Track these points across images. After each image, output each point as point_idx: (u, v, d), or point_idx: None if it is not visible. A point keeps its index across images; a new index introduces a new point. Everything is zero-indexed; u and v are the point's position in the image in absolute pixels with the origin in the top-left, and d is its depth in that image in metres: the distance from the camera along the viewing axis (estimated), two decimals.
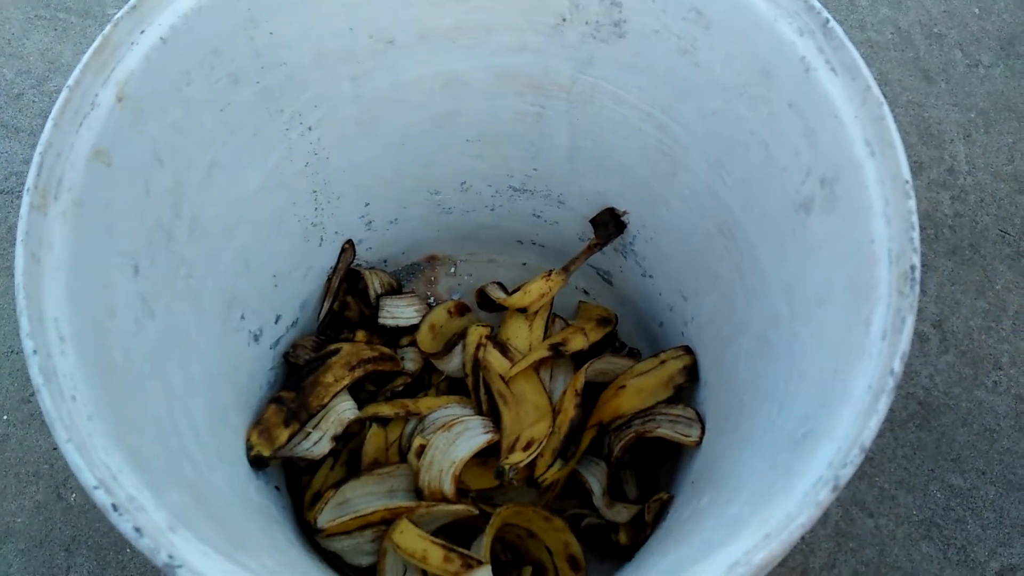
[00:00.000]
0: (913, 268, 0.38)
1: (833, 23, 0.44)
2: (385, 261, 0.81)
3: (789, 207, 0.50)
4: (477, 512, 0.63)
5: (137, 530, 0.34)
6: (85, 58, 0.43)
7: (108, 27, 0.43)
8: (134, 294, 0.47)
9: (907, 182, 0.40)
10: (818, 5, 0.45)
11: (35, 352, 0.36)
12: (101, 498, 0.34)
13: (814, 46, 0.45)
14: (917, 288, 0.37)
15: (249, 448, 0.60)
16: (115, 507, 0.34)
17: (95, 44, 0.43)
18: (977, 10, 1.01)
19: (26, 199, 0.39)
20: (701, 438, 0.63)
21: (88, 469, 0.34)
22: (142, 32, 0.45)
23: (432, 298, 0.83)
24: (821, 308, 0.47)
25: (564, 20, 0.56)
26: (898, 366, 0.36)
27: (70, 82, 0.42)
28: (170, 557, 0.34)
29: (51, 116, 0.41)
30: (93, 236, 0.43)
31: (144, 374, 0.46)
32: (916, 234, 0.39)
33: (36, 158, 0.40)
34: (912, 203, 0.39)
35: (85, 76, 0.43)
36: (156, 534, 0.34)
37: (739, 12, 0.49)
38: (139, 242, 0.48)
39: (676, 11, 0.52)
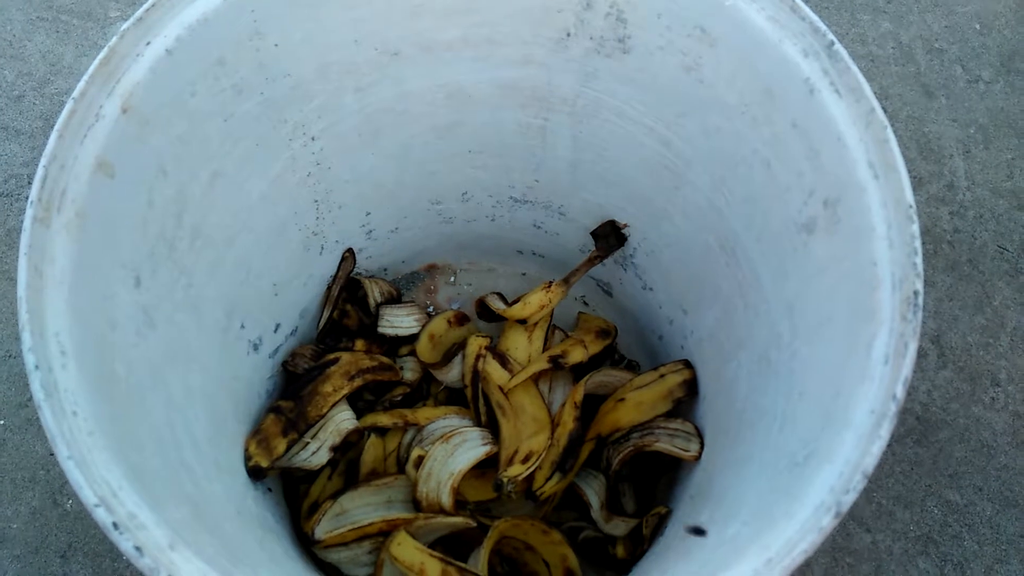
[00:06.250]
0: (916, 293, 0.38)
1: (838, 45, 0.44)
2: (385, 270, 0.81)
3: (791, 227, 0.50)
4: (475, 525, 0.63)
5: (138, 549, 0.34)
6: (91, 69, 0.43)
7: (114, 39, 0.43)
8: (135, 305, 0.46)
9: (911, 206, 0.40)
10: (823, 27, 0.45)
11: (37, 367, 0.36)
12: (102, 516, 0.34)
13: (819, 67, 0.45)
14: (920, 314, 0.37)
15: (247, 458, 0.60)
16: (116, 525, 0.34)
17: (100, 55, 0.43)
18: (978, 26, 1.01)
19: (29, 212, 0.39)
20: (700, 453, 0.63)
21: (89, 486, 0.34)
22: (147, 44, 0.45)
23: (432, 307, 0.83)
24: (822, 329, 0.47)
25: (569, 35, 0.56)
26: (900, 392, 0.36)
27: (75, 94, 0.42)
28: None
29: (55, 128, 0.41)
30: (96, 248, 0.43)
31: (145, 386, 0.46)
32: (919, 259, 0.39)
33: (40, 171, 0.40)
34: (915, 228, 0.39)
35: (90, 88, 0.43)
36: (156, 553, 0.34)
37: (744, 31, 0.49)
38: (141, 253, 0.48)
39: (681, 28, 0.52)
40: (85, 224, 0.42)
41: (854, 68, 0.44)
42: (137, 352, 0.46)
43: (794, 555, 0.34)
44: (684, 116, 0.57)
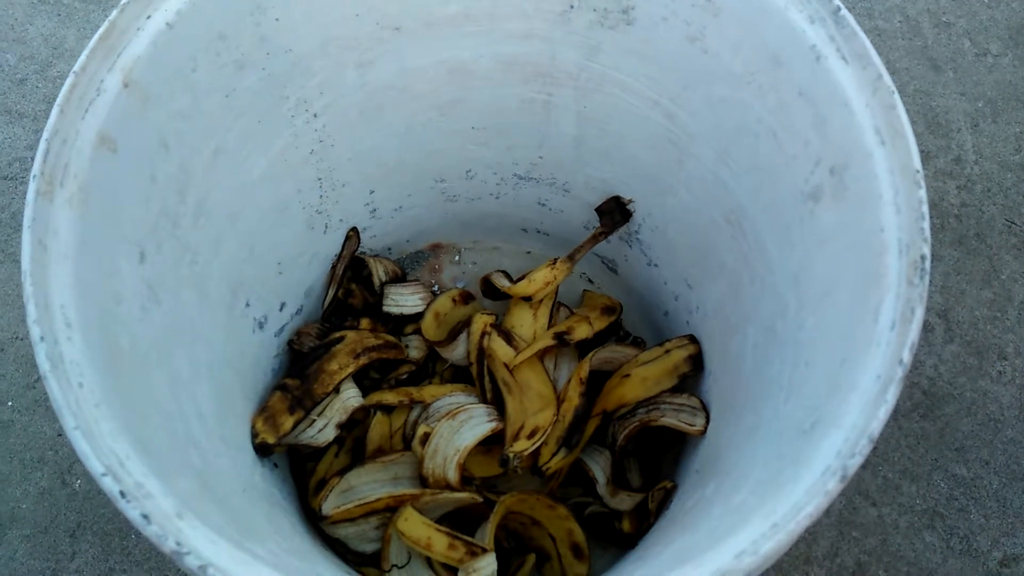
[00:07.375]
0: (923, 258, 0.38)
1: (844, 11, 0.44)
2: (389, 249, 0.81)
3: (798, 196, 0.50)
4: (481, 500, 0.63)
5: (145, 517, 0.34)
6: (91, 43, 0.42)
7: (114, 12, 0.43)
8: (140, 281, 0.46)
9: (918, 171, 0.40)
10: None
11: (42, 339, 0.36)
12: (109, 485, 0.34)
13: (825, 34, 0.45)
14: (927, 278, 0.37)
15: (254, 435, 0.60)
16: (123, 494, 0.34)
17: (101, 29, 0.43)
18: None
19: (32, 186, 0.39)
20: (706, 427, 0.63)
21: (96, 456, 0.34)
22: (148, 17, 0.45)
23: (436, 286, 0.83)
24: (829, 297, 0.47)
25: (572, 7, 0.56)
26: (907, 356, 0.36)
27: (76, 68, 0.42)
28: (178, 544, 0.34)
29: (57, 102, 0.41)
30: (99, 223, 0.43)
31: (150, 361, 0.46)
32: (927, 224, 0.38)
33: (42, 145, 0.40)
34: (923, 193, 0.39)
35: (91, 62, 0.42)
36: (164, 521, 0.34)
37: None
38: (144, 229, 0.48)
39: None
40: (88, 198, 0.42)
41: (861, 34, 0.44)
42: (142, 327, 0.46)
43: (799, 519, 0.34)
44: (689, 88, 0.57)
